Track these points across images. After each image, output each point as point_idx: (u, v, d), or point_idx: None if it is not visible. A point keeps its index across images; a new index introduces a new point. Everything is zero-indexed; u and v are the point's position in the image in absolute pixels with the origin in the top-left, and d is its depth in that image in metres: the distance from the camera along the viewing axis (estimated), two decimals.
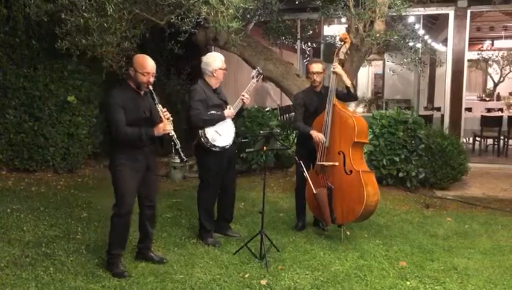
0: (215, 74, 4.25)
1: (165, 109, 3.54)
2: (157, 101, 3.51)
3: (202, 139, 4.14)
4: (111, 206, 3.62)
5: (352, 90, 4.54)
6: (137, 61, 3.51)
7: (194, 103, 4.13)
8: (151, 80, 3.51)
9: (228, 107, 4.31)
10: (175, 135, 3.53)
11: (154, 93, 3.50)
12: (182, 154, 3.58)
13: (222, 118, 4.21)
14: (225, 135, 4.23)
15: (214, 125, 4.17)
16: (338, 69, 4.44)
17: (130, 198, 3.57)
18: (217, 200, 4.48)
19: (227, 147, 4.24)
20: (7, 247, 4.03)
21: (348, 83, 4.50)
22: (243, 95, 4.33)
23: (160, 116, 3.51)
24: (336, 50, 4.57)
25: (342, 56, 4.56)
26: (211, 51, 6.41)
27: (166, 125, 3.48)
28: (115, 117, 3.45)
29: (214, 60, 4.26)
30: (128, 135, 3.46)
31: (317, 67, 4.59)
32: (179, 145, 3.55)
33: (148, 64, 3.50)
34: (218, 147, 4.17)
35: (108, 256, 3.65)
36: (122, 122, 3.44)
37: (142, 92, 3.59)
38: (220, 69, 4.25)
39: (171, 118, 3.54)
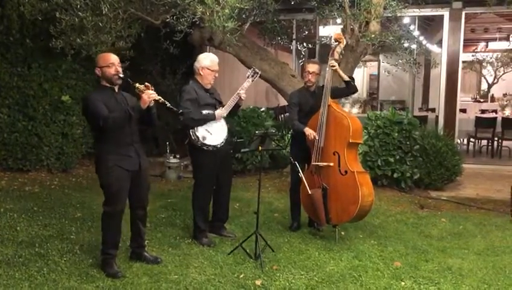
0: (201, 72, 4.23)
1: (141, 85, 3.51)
2: (131, 82, 3.48)
3: (193, 137, 4.13)
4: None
5: (352, 82, 4.55)
6: (99, 59, 3.55)
7: (184, 102, 4.13)
8: (119, 69, 3.52)
9: (220, 108, 4.28)
10: (162, 98, 3.52)
11: (127, 76, 3.50)
12: (175, 109, 3.61)
13: (212, 117, 4.18)
14: (216, 133, 4.21)
15: (204, 124, 4.17)
16: (336, 66, 4.45)
17: (122, 197, 3.56)
18: (212, 200, 4.47)
19: (219, 146, 4.22)
20: (0, 247, 4.01)
21: (345, 77, 4.51)
22: (238, 93, 4.28)
23: (138, 93, 3.46)
24: (331, 51, 4.58)
25: (336, 56, 4.56)
26: (206, 51, 6.40)
27: (149, 94, 3.43)
28: (97, 110, 3.38)
29: (203, 58, 4.26)
30: (116, 118, 3.40)
31: (313, 67, 4.60)
32: (168, 104, 3.56)
33: (109, 55, 3.54)
34: (209, 145, 4.15)
35: (103, 256, 3.63)
36: (106, 112, 3.39)
37: (116, 88, 3.57)
38: (208, 68, 4.22)
39: (150, 86, 3.49)
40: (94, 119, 3.42)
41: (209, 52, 5.36)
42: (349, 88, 4.59)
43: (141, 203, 3.75)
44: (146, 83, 3.50)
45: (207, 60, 4.24)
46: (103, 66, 3.49)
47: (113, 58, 3.52)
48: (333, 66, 4.44)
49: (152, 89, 3.48)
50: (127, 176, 3.54)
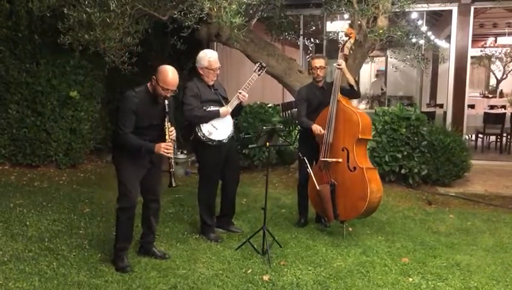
0: (202, 72, 4.23)
1: (172, 129, 3.56)
2: (167, 117, 3.53)
3: (198, 133, 4.14)
4: (114, 200, 3.63)
5: (355, 87, 4.54)
6: (161, 75, 3.47)
7: (187, 99, 4.14)
8: (169, 94, 3.51)
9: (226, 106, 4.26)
10: (173, 159, 3.58)
11: (167, 107, 3.52)
12: (173, 180, 3.64)
13: (216, 115, 4.17)
14: (221, 128, 4.20)
15: (210, 121, 4.16)
16: (343, 65, 4.43)
17: (134, 193, 3.59)
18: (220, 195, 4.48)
19: (225, 141, 4.22)
20: (10, 241, 4.05)
21: (351, 80, 4.49)
22: (240, 93, 4.27)
23: (165, 134, 3.53)
24: (341, 45, 4.55)
25: (346, 51, 4.54)
26: (213, 47, 6.39)
27: (168, 147, 3.50)
28: (123, 120, 3.46)
29: (201, 59, 4.22)
30: (129, 142, 3.48)
31: (320, 62, 4.58)
32: (173, 170, 3.61)
33: (170, 81, 3.46)
34: (214, 140, 4.15)
35: (115, 250, 3.67)
36: (128, 128, 3.45)
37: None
38: (207, 68, 4.19)
39: (175, 139, 3.59)
40: (117, 123, 3.49)
41: (216, 48, 5.35)
42: (352, 92, 4.57)
43: (155, 196, 3.81)
44: (173, 133, 3.58)
45: (205, 61, 4.19)
46: (158, 84, 3.46)
47: (172, 84, 3.46)
48: (339, 65, 4.41)
49: (174, 141, 3.59)
50: (139, 172, 3.61)
